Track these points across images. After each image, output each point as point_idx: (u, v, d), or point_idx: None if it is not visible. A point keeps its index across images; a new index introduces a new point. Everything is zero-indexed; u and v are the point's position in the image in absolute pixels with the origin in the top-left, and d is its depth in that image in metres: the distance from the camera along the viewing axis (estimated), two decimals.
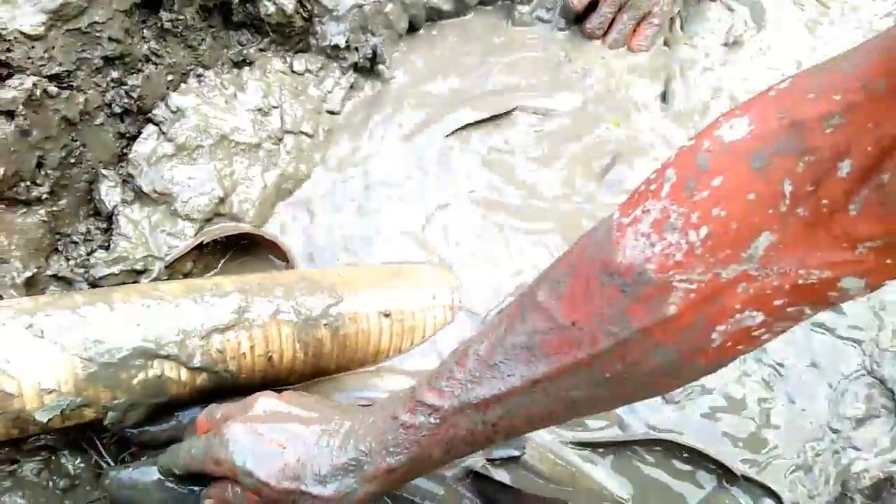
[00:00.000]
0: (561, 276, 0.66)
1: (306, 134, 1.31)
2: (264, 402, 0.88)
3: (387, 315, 1.10)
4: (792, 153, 0.56)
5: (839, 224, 0.56)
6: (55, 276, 1.11)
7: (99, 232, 1.17)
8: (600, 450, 1.07)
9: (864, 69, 0.53)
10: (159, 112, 1.18)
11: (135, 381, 0.92)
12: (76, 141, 1.14)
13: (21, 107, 1.02)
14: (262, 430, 0.83)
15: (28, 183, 1.07)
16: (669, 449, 1.07)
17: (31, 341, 0.87)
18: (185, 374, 0.96)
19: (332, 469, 0.79)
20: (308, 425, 0.83)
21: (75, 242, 1.15)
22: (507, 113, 1.37)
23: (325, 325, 1.05)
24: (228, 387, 1.01)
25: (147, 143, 1.16)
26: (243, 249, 1.23)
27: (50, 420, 0.88)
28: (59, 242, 1.15)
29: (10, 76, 1.03)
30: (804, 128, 0.56)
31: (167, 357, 0.94)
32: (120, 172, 1.17)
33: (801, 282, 0.59)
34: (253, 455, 0.81)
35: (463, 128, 1.35)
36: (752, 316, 0.60)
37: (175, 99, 1.19)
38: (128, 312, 0.93)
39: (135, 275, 1.12)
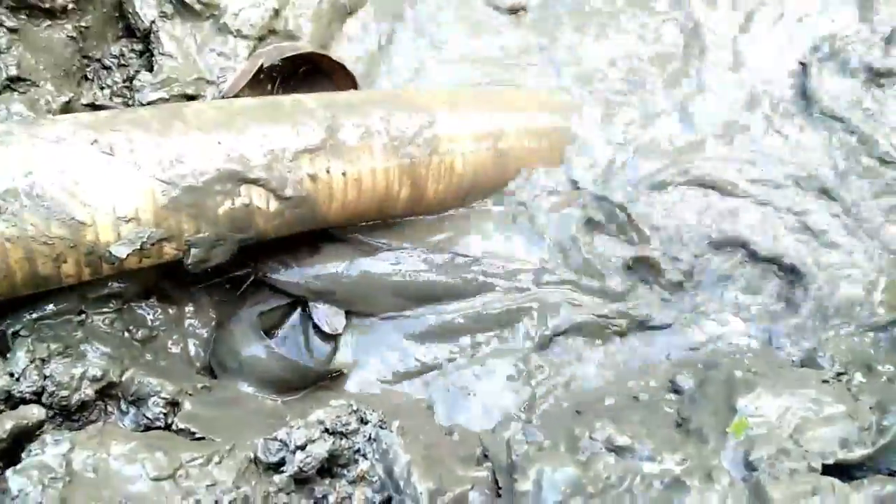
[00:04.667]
0: None
1: None
2: None
3: (486, 139, 0.95)
4: None
5: None
6: (92, 105, 0.93)
7: (134, 55, 0.98)
8: None
9: None
10: None
11: (221, 211, 0.78)
12: None
13: None
14: None
15: None
16: None
17: (100, 160, 0.71)
18: (274, 204, 0.81)
19: None
20: None
21: (108, 68, 0.97)
22: None
23: (418, 146, 0.90)
24: (320, 220, 0.87)
25: None
26: (301, 79, 1.06)
27: (126, 257, 0.74)
28: (88, 69, 0.96)
29: None
30: None
31: (255, 182, 0.79)
32: None
33: None
34: None
35: None
36: None
37: None
38: (205, 129, 0.77)
39: (185, 100, 0.94)
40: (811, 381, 0.64)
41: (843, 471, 0.57)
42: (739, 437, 0.58)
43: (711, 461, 0.57)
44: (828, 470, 0.56)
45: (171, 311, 0.87)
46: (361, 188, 0.86)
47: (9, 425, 0.62)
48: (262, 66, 0.97)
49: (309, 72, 1.05)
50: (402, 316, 0.94)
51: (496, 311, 0.92)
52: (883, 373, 0.77)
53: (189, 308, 0.89)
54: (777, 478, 0.53)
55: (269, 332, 0.92)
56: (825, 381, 0.65)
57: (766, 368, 0.69)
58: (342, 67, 1.02)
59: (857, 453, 0.57)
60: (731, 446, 0.58)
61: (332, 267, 0.92)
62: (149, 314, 0.85)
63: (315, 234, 0.91)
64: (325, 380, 0.87)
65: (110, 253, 0.72)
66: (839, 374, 0.74)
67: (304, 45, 1.01)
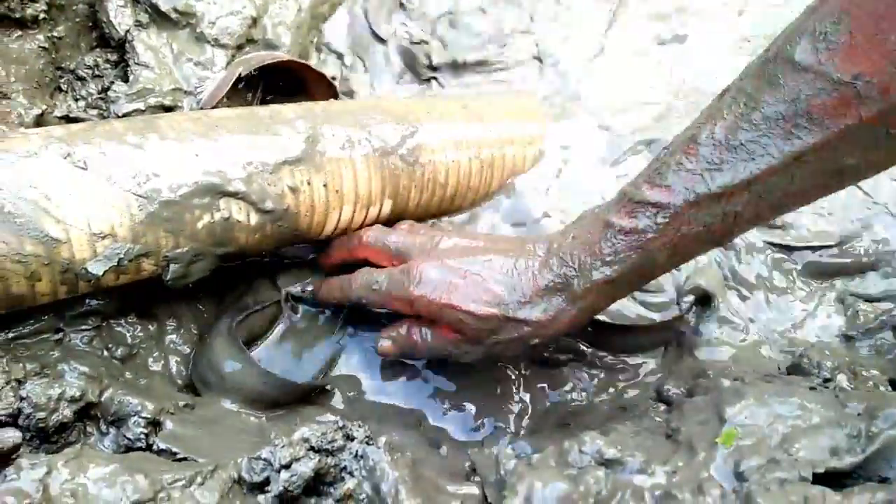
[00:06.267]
0: (827, 25, 0.54)
1: None
2: (448, 239, 0.80)
3: (469, 148, 0.95)
4: None
5: None
6: (66, 118, 0.91)
7: (109, 66, 0.96)
8: None
9: None
10: None
11: (200, 225, 0.76)
12: None
13: None
14: (457, 265, 0.76)
15: None
16: None
17: (73, 174, 0.69)
18: (254, 217, 0.80)
19: (536, 290, 0.72)
20: (503, 254, 0.76)
21: (82, 79, 0.95)
22: None
23: (401, 156, 0.89)
24: (301, 234, 0.86)
25: None
26: (280, 90, 1.05)
27: (104, 274, 0.72)
28: (62, 80, 0.94)
29: None
30: None
31: (235, 195, 0.77)
32: None
33: None
34: (450, 288, 0.74)
35: None
36: None
37: None
38: (182, 141, 0.76)
39: (162, 111, 0.93)
40: (799, 388, 0.64)
41: (834, 479, 0.57)
42: (729, 447, 0.58)
43: (702, 473, 0.57)
44: (818, 479, 0.56)
45: (151, 327, 0.85)
46: (343, 200, 0.85)
47: None
48: (240, 75, 0.95)
49: (289, 83, 1.03)
50: None
51: None
52: (868, 377, 0.78)
53: (170, 324, 0.87)
54: (768, 488, 0.53)
55: (255, 341, 0.90)
56: (812, 389, 0.65)
57: (753, 376, 0.69)
58: (322, 76, 1.01)
59: (847, 461, 0.57)
60: (720, 457, 0.57)
61: None
62: (128, 331, 0.83)
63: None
64: (312, 394, 0.86)
65: (86, 270, 0.71)
66: (826, 380, 0.74)
67: (283, 55, 1.00)
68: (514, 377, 0.90)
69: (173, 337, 0.87)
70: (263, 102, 1.04)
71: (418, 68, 1.07)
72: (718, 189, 0.60)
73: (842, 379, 0.76)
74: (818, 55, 0.54)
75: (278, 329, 0.90)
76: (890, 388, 0.74)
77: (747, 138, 0.58)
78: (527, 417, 0.88)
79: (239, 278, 0.91)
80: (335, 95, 1.02)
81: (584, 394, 0.88)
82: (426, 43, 1.07)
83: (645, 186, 0.65)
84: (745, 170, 0.59)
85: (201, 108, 0.94)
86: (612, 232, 0.67)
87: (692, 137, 0.62)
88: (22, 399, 0.69)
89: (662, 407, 0.79)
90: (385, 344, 0.82)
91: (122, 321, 0.83)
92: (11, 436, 0.63)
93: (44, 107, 0.88)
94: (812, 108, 0.55)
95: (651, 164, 0.66)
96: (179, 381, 0.85)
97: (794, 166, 0.57)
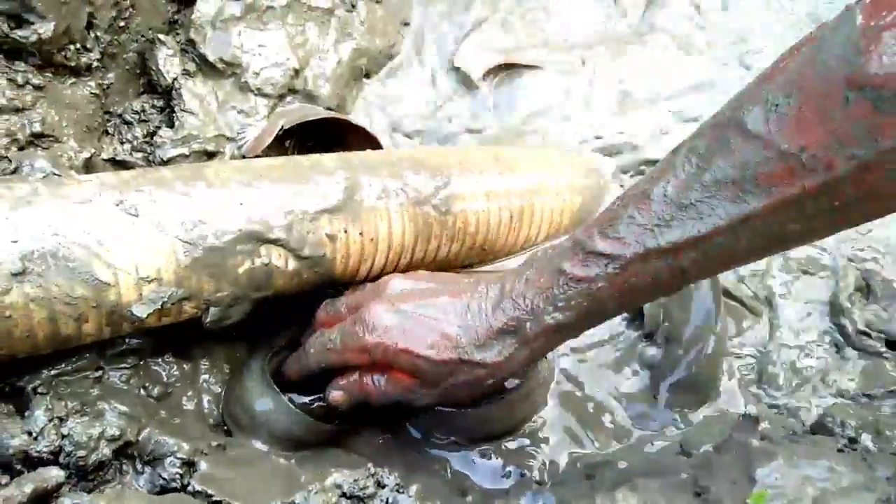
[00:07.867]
0: (778, 97, 0.56)
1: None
2: (398, 282, 0.81)
3: (499, 198, 0.97)
4: None
5: None
6: (112, 161, 0.95)
7: (155, 111, 1.00)
8: None
9: None
10: None
11: (241, 270, 0.79)
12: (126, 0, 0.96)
13: None
14: (407, 308, 0.77)
15: (77, 46, 0.89)
16: None
17: (124, 220, 0.72)
18: (292, 264, 0.82)
19: (490, 333, 0.73)
20: (456, 296, 0.77)
21: (129, 123, 0.99)
22: None
23: (434, 206, 0.92)
24: (335, 280, 0.88)
25: (211, 2, 0.99)
26: (319, 138, 1.08)
27: (147, 317, 0.75)
28: (109, 124, 0.98)
29: None
30: None
31: (275, 242, 0.80)
32: (178, 39, 1.00)
33: None
34: (405, 333, 0.75)
35: None
36: None
37: None
38: (227, 190, 0.79)
39: (205, 157, 0.96)
40: (826, 449, 0.65)
41: None
42: None
43: None
44: None
45: (185, 366, 0.87)
46: (377, 248, 0.88)
47: (29, 488, 0.62)
48: (282, 127, 0.99)
49: (328, 132, 1.07)
50: None
51: None
52: (893, 437, 0.78)
53: (204, 363, 0.89)
54: None
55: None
56: (840, 451, 0.65)
57: (780, 435, 0.70)
58: (364, 131, 1.04)
59: None
60: None
61: None
62: (164, 370, 0.85)
63: None
64: (339, 436, 0.87)
65: (132, 313, 0.73)
66: (851, 439, 0.75)
67: (323, 111, 1.03)
68: (536, 426, 0.91)
69: (206, 376, 0.88)
70: (301, 151, 1.07)
71: None
72: (667, 245, 0.62)
73: (866, 439, 0.76)
74: (768, 125, 0.57)
75: None
76: None
77: (697, 198, 0.60)
78: (551, 467, 0.89)
79: (272, 318, 0.93)
80: (376, 146, 1.05)
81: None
82: None
83: (598, 237, 0.66)
84: (694, 228, 0.61)
85: (243, 157, 0.97)
86: (564, 279, 0.68)
87: (645, 192, 0.64)
88: (63, 437, 0.71)
89: (685, 460, 0.80)
90: (336, 394, 0.81)
91: (159, 360, 0.85)
92: (55, 475, 0.65)
93: (92, 150, 0.91)
94: (759, 175, 0.57)
95: (603, 213, 0.68)
96: (211, 421, 0.86)
97: (741, 229, 0.59)
